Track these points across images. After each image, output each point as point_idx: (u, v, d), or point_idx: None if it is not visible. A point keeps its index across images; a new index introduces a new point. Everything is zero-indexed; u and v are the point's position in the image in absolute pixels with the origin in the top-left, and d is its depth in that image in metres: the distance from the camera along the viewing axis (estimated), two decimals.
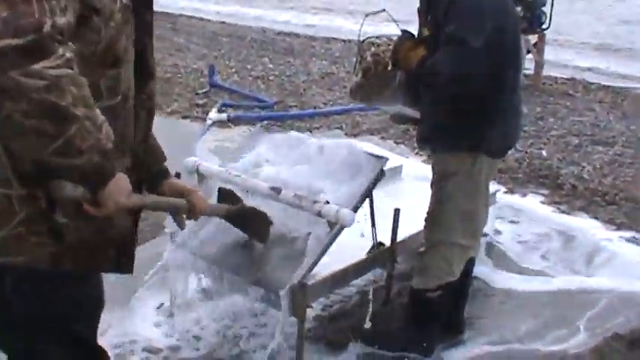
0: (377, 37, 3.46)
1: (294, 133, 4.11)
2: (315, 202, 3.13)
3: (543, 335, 3.73)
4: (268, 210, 3.24)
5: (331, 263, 3.30)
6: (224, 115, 7.68)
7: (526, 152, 6.85)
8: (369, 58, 3.39)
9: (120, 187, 1.87)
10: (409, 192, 4.39)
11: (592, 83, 10.52)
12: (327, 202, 3.11)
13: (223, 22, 15.74)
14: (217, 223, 3.27)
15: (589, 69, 12.11)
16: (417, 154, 6.52)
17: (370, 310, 3.64)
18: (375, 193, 3.35)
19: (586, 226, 5.17)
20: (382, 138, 7.26)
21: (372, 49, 3.40)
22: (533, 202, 5.66)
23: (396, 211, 3.59)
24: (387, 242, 3.64)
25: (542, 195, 5.83)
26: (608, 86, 10.38)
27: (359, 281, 3.95)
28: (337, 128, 7.64)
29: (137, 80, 2.05)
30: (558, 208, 5.55)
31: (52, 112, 1.65)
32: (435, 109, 3.31)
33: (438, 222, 3.39)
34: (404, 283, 3.90)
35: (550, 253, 4.75)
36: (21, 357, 2.10)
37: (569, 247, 4.85)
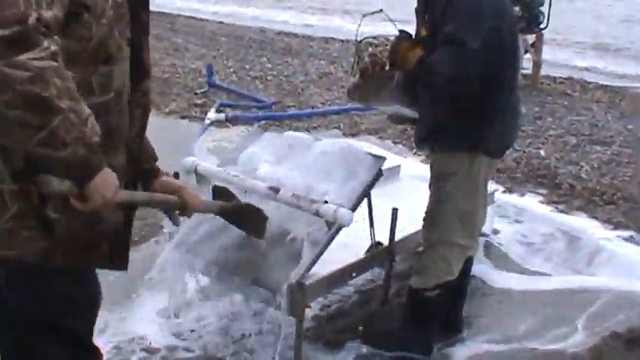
0: (374, 38, 3.46)
1: (291, 133, 4.11)
2: (313, 201, 3.13)
3: (542, 334, 3.74)
4: (266, 210, 3.24)
5: (330, 263, 3.30)
6: (222, 115, 7.68)
7: (524, 152, 6.86)
8: (366, 59, 3.39)
9: (107, 181, 1.86)
10: (407, 192, 4.39)
11: (590, 83, 10.53)
12: (326, 202, 3.12)
13: (221, 22, 15.75)
14: (215, 223, 3.27)
15: (587, 69, 12.14)
16: (415, 153, 6.53)
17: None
18: (373, 192, 3.35)
19: (584, 226, 5.17)
20: (380, 138, 7.26)
21: (370, 49, 3.40)
22: (531, 202, 5.66)
23: (394, 211, 3.59)
24: (385, 242, 3.64)
25: (541, 194, 5.83)
26: (606, 86, 10.39)
27: (357, 281, 3.96)
28: (335, 128, 7.65)
29: (132, 78, 2.06)
30: (556, 208, 5.56)
31: (35, 104, 1.66)
32: (432, 110, 3.31)
33: (436, 222, 3.39)
34: (402, 282, 3.90)
35: (548, 253, 4.76)
36: (17, 356, 2.10)
37: (567, 246, 4.85)
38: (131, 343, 3.47)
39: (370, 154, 3.41)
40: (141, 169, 2.27)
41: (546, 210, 5.51)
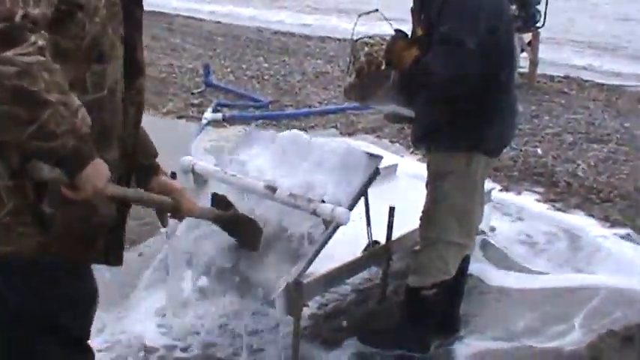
0: (370, 37, 3.47)
1: (288, 132, 4.11)
2: (310, 200, 3.14)
3: (539, 332, 3.75)
4: (263, 209, 3.25)
5: (327, 262, 3.31)
6: (219, 115, 7.69)
7: (521, 150, 6.87)
8: (362, 58, 3.39)
9: (98, 171, 1.88)
10: (404, 190, 4.40)
11: (586, 81, 10.54)
12: (323, 201, 3.12)
13: (218, 22, 15.73)
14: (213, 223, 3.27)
15: (583, 67, 12.14)
16: (412, 152, 6.54)
17: None
18: (370, 191, 3.36)
19: (581, 224, 5.18)
20: (377, 137, 7.26)
21: (366, 48, 3.40)
22: (528, 200, 5.67)
23: (391, 210, 3.60)
24: (383, 240, 3.65)
25: (538, 193, 5.84)
26: (603, 84, 10.40)
27: (354, 280, 3.96)
28: (332, 127, 7.65)
29: (126, 76, 2.07)
30: (553, 206, 5.57)
31: (24, 98, 1.67)
32: (429, 109, 3.32)
33: (433, 220, 3.40)
34: (399, 281, 3.91)
35: (545, 251, 4.77)
36: (17, 356, 2.10)
37: (563, 244, 4.86)
38: (129, 343, 3.46)
39: (367, 153, 3.41)
40: (136, 163, 2.28)
41: (543, 208, 5.51)
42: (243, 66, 10.69)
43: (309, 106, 8.49)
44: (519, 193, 5.82)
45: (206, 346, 3.47)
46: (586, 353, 3.55)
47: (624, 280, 4.29)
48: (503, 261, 4.57)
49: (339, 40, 13.18)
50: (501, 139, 3.41)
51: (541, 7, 9.68)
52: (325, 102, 8.74)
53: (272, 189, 3.24)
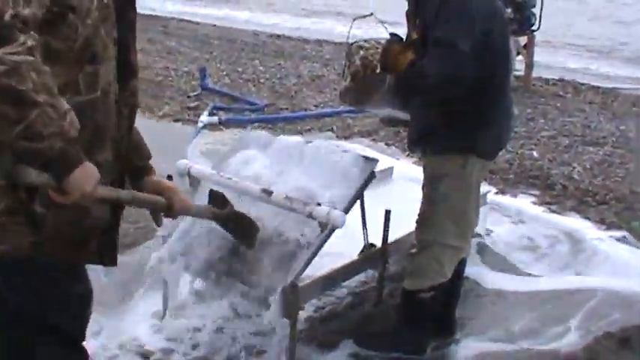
0: (365, 41, 3.47)
1: (284, 136, 4.11)
2: (306, 203, 3.14)
3: (535, 335, 3.75)
4: (259, 212, 3.25)
5: (323, 264, 3.31)
6: (215, 118, 7.68)
7: (517, 153, 6.88)
8: (357, 62, 3.40)
9: (87, 174, 1.87)
10: (400, 193, 4.40)
11: (582, 84, 10.54)
12: (319, 204, 3.12)
13: (214, 25, 15.71)
14: (208, 226, 3.27)
15: (579, 70, 12.15)
16: (407, 155, 6.53)
17: None
18: (366, 194, 3.36)
19: (577, 226, 5.18)
20: (373, 140, 7.26)
21: (361, 52, 3.41)
22: (524, 203, 5.67)
23: (387, 213, 3.60)
24: (379, 243, 3.65)
25: (533, 195, 5.85)
26: (598, 87, 10.40)
27: (351, 283, 3.96)
28: (328, 130, 7.65)
29: (120, 78, 2.07)
30: (549, 209, 5.57)
31: (11, 97, 1.67)
32: (424, 112, 3.33)
33: (429, 223, 3.40)
34: (395, 284, 3.91)
35: (541, 253, 4.77)
36: (17, 356, 2.11)
37: (560, 246, 4.86)
38: (126, 347, 3.46)
39: (363, 156, 3.42)
40: (130, 165, 2.28)
41: (539, 211, 5.52)
42: (239, 69, 10.69)
43: (305, 110, 8.49)
44: (515, 196, 5.83)
45: (202, 350, 3.46)
46: (583, 355, 3.55)
47: (620, 282, 4.29)
48: (499, 263, 4.57)
49: (334, 43, 13.17)
50: (497, 142, 3.42)
51: (536, 10, 9.71)
52: (321, 105, 8.74)
53: (268, 192, 3.24)
